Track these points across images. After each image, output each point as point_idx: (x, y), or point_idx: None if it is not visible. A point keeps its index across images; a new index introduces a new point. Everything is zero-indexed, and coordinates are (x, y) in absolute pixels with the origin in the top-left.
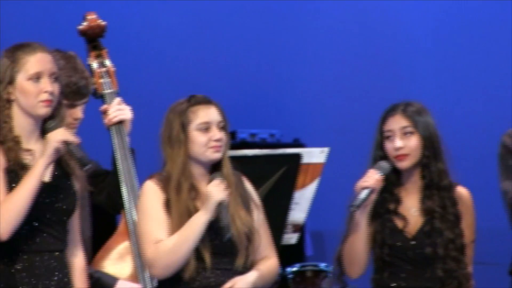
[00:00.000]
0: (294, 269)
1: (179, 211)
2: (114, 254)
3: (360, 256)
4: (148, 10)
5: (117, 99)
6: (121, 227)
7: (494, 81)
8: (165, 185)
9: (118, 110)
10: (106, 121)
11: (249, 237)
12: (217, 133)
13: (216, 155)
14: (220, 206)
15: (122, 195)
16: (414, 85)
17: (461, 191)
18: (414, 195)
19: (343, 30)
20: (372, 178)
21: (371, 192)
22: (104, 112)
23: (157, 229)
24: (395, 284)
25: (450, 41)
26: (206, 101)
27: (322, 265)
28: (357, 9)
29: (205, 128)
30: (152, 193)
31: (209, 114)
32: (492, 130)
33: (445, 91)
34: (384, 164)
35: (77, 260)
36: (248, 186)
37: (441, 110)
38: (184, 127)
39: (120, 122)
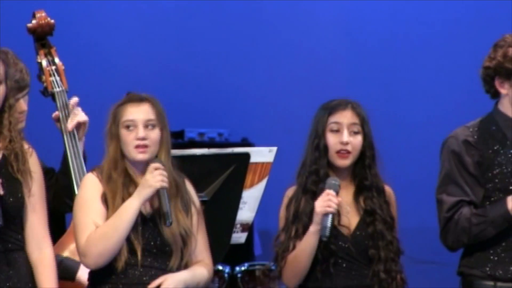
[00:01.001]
0: (243, 268)
1: (114, 204)
2: (67, 253)
3: (305, 271)
4: (96, 9)
5: (75, 99)
6: (72, 226)
7: (426, 83)
8: (101, 178)
9: (74, 114)
10: (68, 125)
11: (185, 240)
12: (140, 132)
13: (140, 156)
14: (159, 193)
15: (72, 193)
16: (358, 85)
17: (389, 191)
18: (347, 192)
19: (290, 30)
20: (333, 201)
21: (334, 215)
22: (57, 119)
23: (93, 218)
24: (326, 275)
25: (392, 41)
26: (138, 99)
27: (271, 264)
28: (304, 9)
29: (129, 126)
30: (90, 185)
31: (135, 112)
32: (419, 130)
33: (387, 92)
34: (333, 181)
35: (42, 255)
36: (191, 189)
37: (383, 110)
38: (116, 123)
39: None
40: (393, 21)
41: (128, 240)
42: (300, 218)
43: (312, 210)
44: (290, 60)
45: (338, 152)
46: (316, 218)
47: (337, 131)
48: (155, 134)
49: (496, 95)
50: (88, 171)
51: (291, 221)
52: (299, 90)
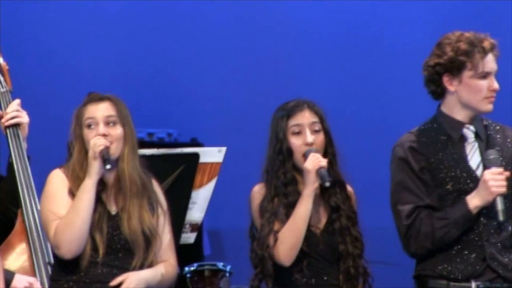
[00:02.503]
0: (192, 268)
1: None
2: (12, 254)
3: (301, 239)
4: (41, 8)
5: (17, 100)
6: (17, 227)
7: (381, 82)
8: (68, 175)
9: (17, 111)
10: (3, 121)
11: (149, 239)
12: (101, 129)
13: None
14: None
15: (16, 199)
16: (308, 84)
17: (349, 188)
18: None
19: (239, 30)
20: (320, 159)
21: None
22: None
23: (60, 209)
24: (301, 276)
25: (341, 41)
26: (98, 98)
27: (220, 265)
28: (255, 9)
29: (90, 124)
30: (57, 179)
31: (95, 110)
32: (378, 130)
33: (337, 91)
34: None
35: None
36: (158, 189)
37: (333, 109)
38: (79, 124)
39: (17, 125)
40: (344, 20)
41: (92, 238)
42: (279, 216)
43: (287, 209)
44: (239, 60)
45: (304, 154)
46: (310, 177)
47: (299, 133)
48: (116, 130)
49: (441, 95)
50: (32, 171)
51: (268, 218)
52: (248, 90)
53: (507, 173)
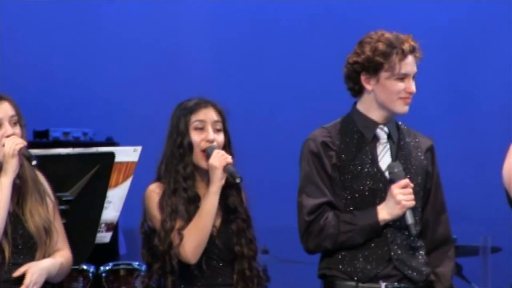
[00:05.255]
0: (108, 267)
1: None
2: None
3: (208, 235)
4: None
5: None
6: None
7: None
8: None
9: None
10: None
11: (48, 232)
12: (9, 129)
13: None
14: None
15: None
16: (219, 84)
17: (244, 193)
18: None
19: (151, 29)
20: (226, 155)
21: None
22: None
23: None
24: (201, 274)
25: (234, 41)
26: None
27: (136, 264)
28: (166, 10)
29: None
30: None
31: None
32: (277, 129)
33: (238, 90)
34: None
35: None
36: (43, 181)
37: (236, 108)
38: None
39: None
40: (250, 18)
41: None
42: (179, 213)
43: (186, 205)
44: (155, 59)
45: (204, 150)
46: (217, 174)
47: (201, 129)
48: (17, 130)
49: (359, 93)
50: None
51: (170, 213)
52: (163, 89)
53: (411, 184)
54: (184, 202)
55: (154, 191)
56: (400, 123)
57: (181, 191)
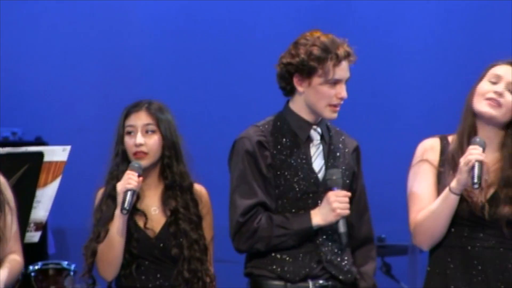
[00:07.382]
0: (37, 267)
1: None
2: None
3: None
4: None
5: None
6: None
7: (230, 79)
8: None
9: None
10: None
11: (1, 238)
12: None
13: None
14: None
15: None
16: (154, 84)
17: (201, 190)
18: (154, 194)
19: (85, 27)
20: (133, 178)
21: None
22: None
23: None
24: (131, 281)
25: (185, 40)
26: None
27: (65, 263)
28: (115, 9)
29: None
30: None
31: None
32: (228, 128)
33: (185, 91)
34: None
35: None
36: (4, 187)
37: (181, 109)
38: None
39: None
40: (191, 17)
41: None
42: (104, 222)
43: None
44: (84, 59)
45: (135, 154)
46: (119, 198)
47: (132, 133)
48: None
49: (291, 92)
50: None
51: (98, 221)
52: (93, 89)
53: (349, 194)
54: (113, 211)
55: (97, 195)
56: (328, 123)
57: (112, 199)
